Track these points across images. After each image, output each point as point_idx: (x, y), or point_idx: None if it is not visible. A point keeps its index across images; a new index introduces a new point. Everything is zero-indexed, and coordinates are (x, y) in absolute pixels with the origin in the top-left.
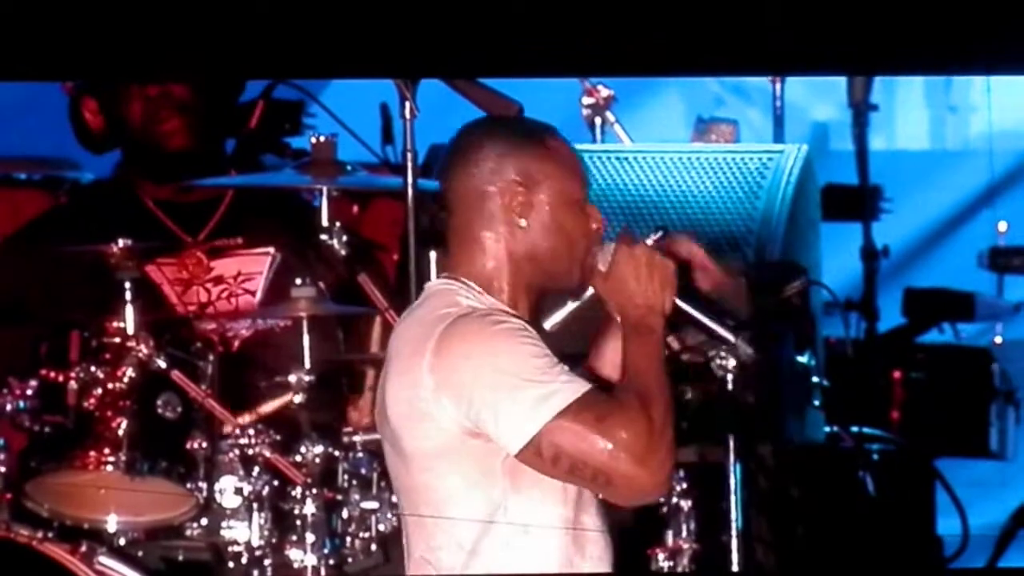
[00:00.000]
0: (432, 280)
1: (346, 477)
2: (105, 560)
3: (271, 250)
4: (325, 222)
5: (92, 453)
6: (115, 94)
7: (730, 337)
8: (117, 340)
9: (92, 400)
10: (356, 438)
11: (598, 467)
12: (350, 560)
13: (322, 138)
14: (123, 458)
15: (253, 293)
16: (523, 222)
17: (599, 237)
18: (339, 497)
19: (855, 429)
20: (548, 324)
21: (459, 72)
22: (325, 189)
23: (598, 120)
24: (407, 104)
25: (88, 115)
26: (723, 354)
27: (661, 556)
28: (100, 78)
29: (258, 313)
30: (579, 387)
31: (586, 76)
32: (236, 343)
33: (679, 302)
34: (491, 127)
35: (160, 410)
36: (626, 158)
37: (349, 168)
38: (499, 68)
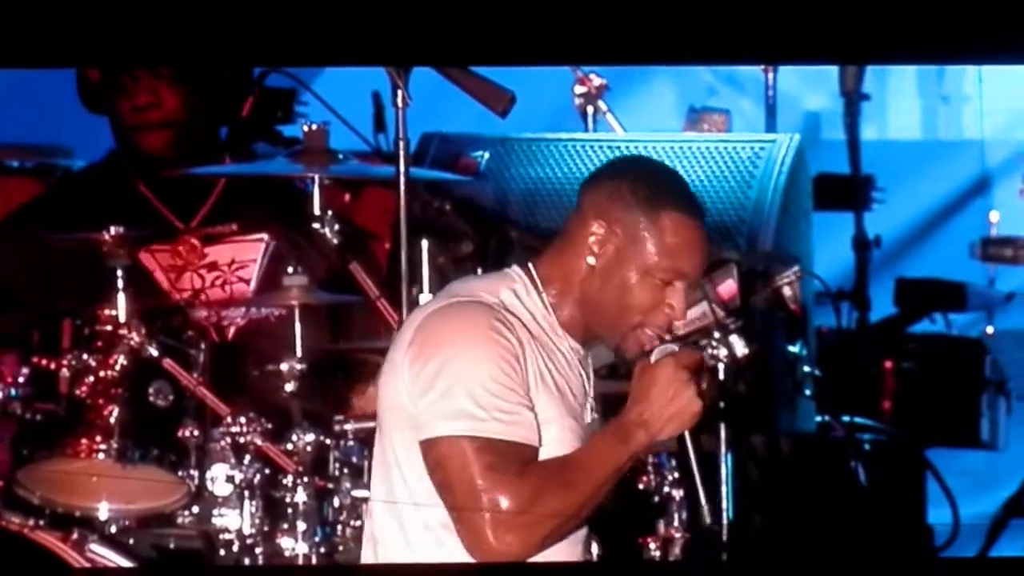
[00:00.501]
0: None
1: (337, 465)
2: (96, 548)
3: (265, 237)
4: (317, 210)
5: (84, 441)
6: (112, 82)
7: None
8: (109, 328)
9: (84, 388)
10: (347, 427)
11: (459, 502)
12: (341, 548)
13: (314, 126)
14: (115, 446)
15: (247, 281)
16: (592, 260)
17: (664, 322)
18: (330, 485)
19: (846, 419)
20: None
21: (453, 61)
22: (317, 177)
23: (590, 109)
24: (399, 92)
25: (91, 74)
26: (715, 344)
27: (653, 545)
28: (89, 64)
29: (250, 301)
30: (505, 430)
31: (580, 65)
32: (231, 331)
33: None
34: (648, 166)
35: (152, 398)
36: (618, 147)
37: (341, 156)
38: (493, 57)
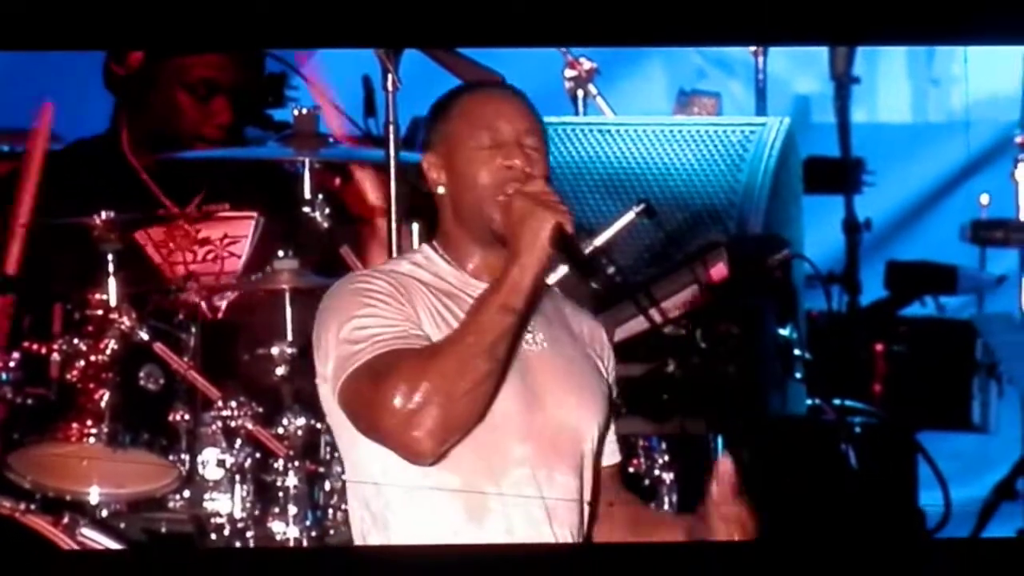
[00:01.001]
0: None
1: (328, 449)
2: (87, 532)
3: (255, 214)
4: (308, 194)
5: (75, 425)
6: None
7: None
8: (100, 312)
9: (75, 372)
10: None
11: (370, 424)
12: (332, 532)
13: (304, 111)
14: (105, 430)
15: (238, 256)
16: (441, 189)
17: (513, 177)
18: (321, 469)
19: (837, 402)
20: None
21: (442, 42)
22: (307, 161)
23: (580, 93)
24: (389, 77)
25: (130, 60)
26: (704, 326)
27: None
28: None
29: (239, 285)
30: (380, 348)
31: (569, 45)
32: (222, 307)
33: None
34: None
35: (142, 382)
36: (608, 131)
37: (331, 140)
38: (482, 37)
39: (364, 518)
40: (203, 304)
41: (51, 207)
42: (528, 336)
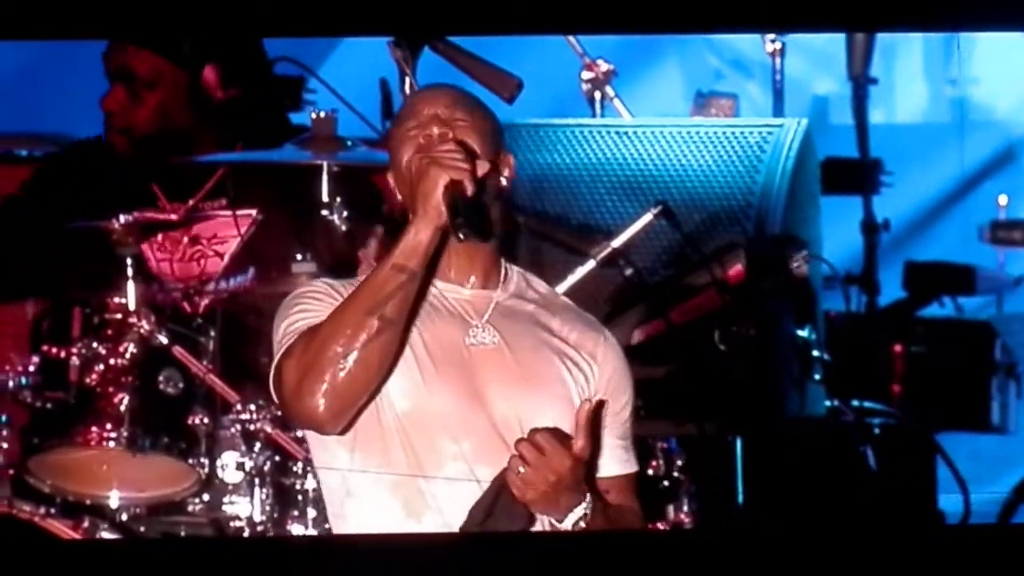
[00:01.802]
0: None
1: None
2: (107, 536)
3: (253, 212)
4: (326, 197)
5: (94, 429)
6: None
7: None
8: (118, 316)
9: (94, 376)
10: None
11: (279, 405)
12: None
13: (322, 114)
14: (124, 434)
15: (221, 256)
16: (399, 196)
17: (426, 144)
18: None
19: (856, 403)
20: (561, 288)
21: (456, 30)
22: (326, 165)
23: (598, 94)
24: (407, 79)
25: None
26: (723, 328)
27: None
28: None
29: (257, 287)
30: (290, 339)
31: (580, 34)
32: (202, 305)
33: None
34: None
35: (161, 386)
36: (626, 132)
37: (349, 144)
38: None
39: (332, 515)
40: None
41: (57, 206)
42: (475, 332)
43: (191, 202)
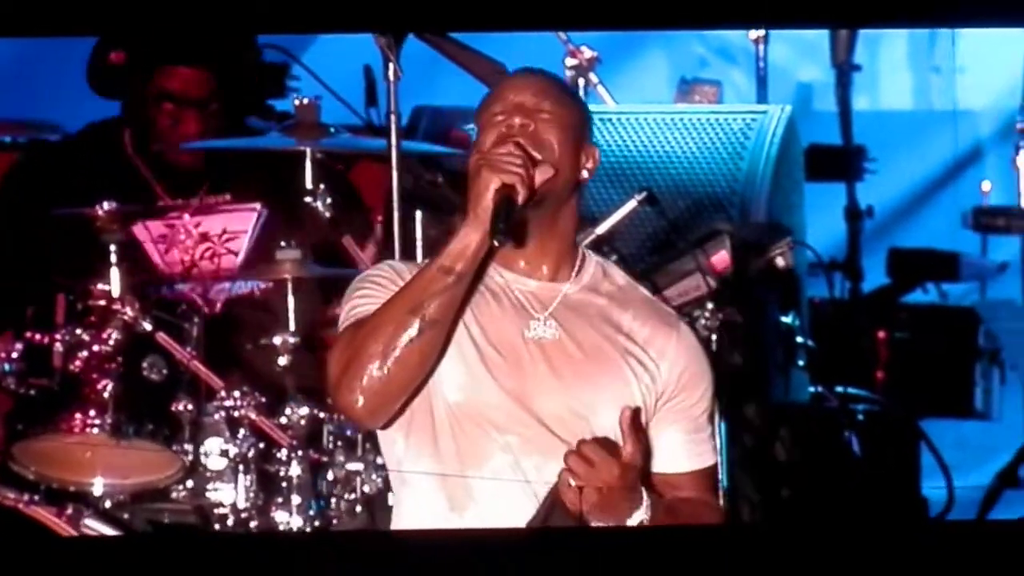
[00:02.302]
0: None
1: (331, 439)
2: (91, 522)
3: (257, 206)
4: (310, 184)
5: (78, 416)
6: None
7: None
8: (102, 303)
9: (78, 363)
10: None
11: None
12: (335, 522)
13: (306, 100)
14: (109, 421)
15: (236, 253)
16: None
17: (506, 134)
18: (324, 459)
19: (840, 389)
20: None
21: (443, 25)
22: (309, 151)
23: (581, 81)
24: (391, 66)
25: (110, 60)
26: (707, 315)
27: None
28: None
29: (241, 275)
30: (351, 320)
31: (568, 29)
32: (219, 304)
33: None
34: None
35: (146, 372)
36: (610, 119)
37: (333, 130)
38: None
39: (393, 502)
40: (201, 297)
41: (59, 194)
42: (536, 325)
43: (197, 197)
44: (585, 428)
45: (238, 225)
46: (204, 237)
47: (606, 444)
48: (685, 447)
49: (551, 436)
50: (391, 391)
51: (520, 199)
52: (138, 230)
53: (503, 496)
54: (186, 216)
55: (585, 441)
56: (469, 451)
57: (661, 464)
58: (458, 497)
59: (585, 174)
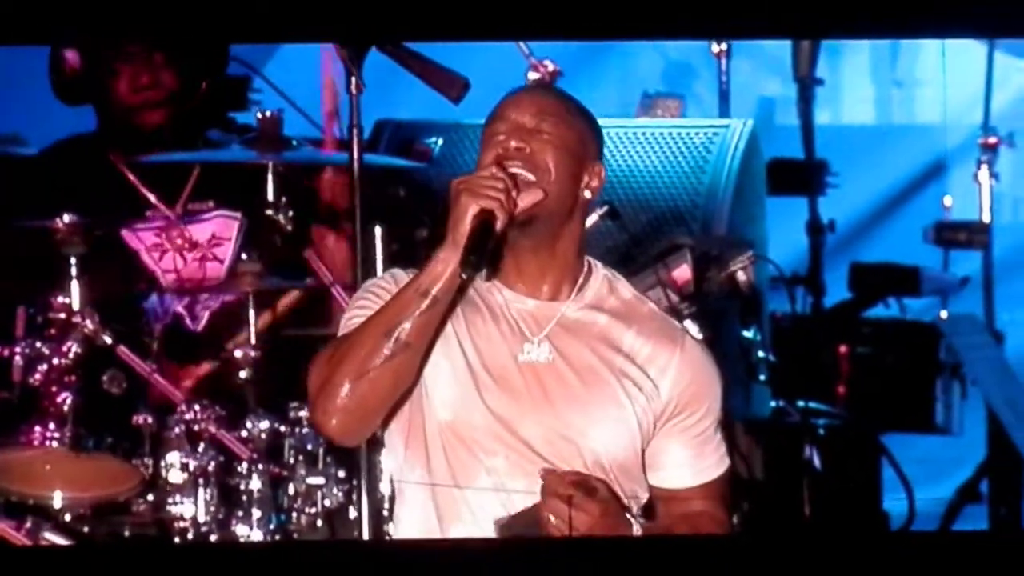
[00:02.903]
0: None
1: (292, 452)
2: (50, 536)
3: (238, 215)
4: (271, 197)
5: (37, 429)
6: (100, 62)
7: None
8: (62, 316)
9: (37, 375)
10: (301, 413)
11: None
12: (296, 535)
13: (268, 113)
14: (68, 434)
15: (221, 260)
16: None
17: (503, 155)
18: (285, 472)
19: (801, 404)
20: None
21: (407, 36)
22: (271, 164)
23: None
24: (353, 79)
25: (68, 66)
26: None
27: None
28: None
29: (204, 289)
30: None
31: (531, 39)
32: (204, 317)
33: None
34: None
35: (105, 386)
36: None
37: (295, 143)
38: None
39: (394, 516)
40: (184, 312)
41: (37, 206)
42: (529, 348)
43: (181, 202)
44: (574, 451)
45: (225, 232)
46: (194, 245)
47: (585, 483)
48: (690, 463)
49: (539, 459)
50: (363, 412)
51: (499, 225)
52: (130, 239)
53: (491, 514)
54: (180, 224)
55: (564, 479)
56: (458, 470)
57: (666, 480)
58: (447, 514)
59: (588, 194)
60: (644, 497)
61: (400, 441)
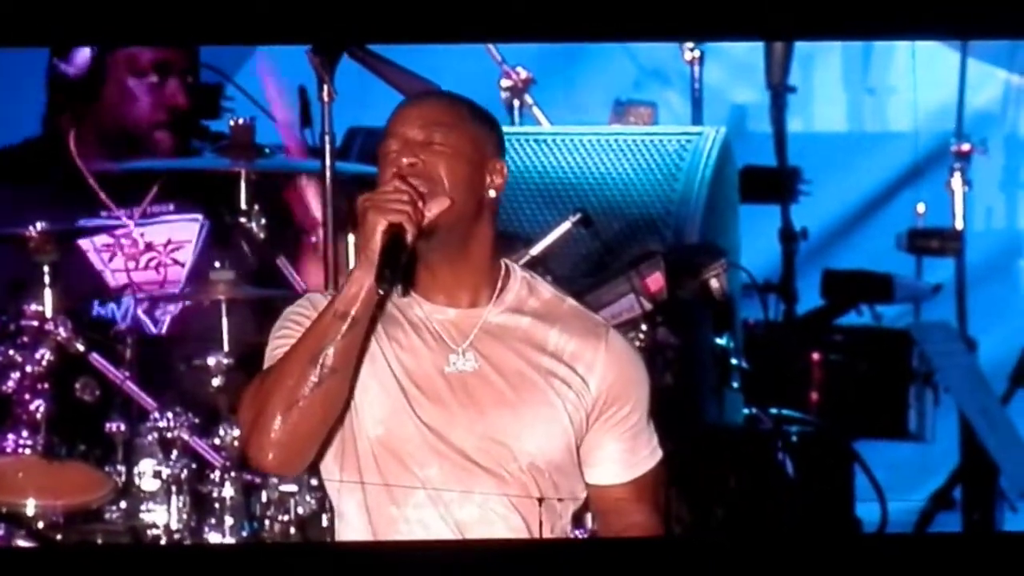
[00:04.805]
0: None
1: None
2: (23, 544)
3: (199, 217)
4: (244, 205)
5: (10, 436)
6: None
7: None
8: (35, 323)
9: (10, 383)
10: None
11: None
12: (268, 543)
13: (240, 121)
14: (41, 441)
15: (182, 264)
16: None
17: (396, 174)
18: (258, 480)
19: (774, 411)
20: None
21: (378, 39)
22: (244, 172)
23: (516, 102)
24: (325, 87)
25: (65, 75)
26: (641, 336)
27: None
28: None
29: (176, 296)
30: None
31: (507, 42)
32: (166, 322)
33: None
34: None
35: (78, 393)
36: (544, 140)
37: (268, 151)
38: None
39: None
40: (145, 317)
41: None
42: (455, 359)
43: (142, 206)
44: (507, 454)
45: (182, 235)
46: (148, 247)
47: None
48: (622, 457)
49: (472, 466)
50: (299, 442)
51: (409, 237)
52: (82, 242)
53: (427, 527)
54: (131, 224)
55: None
56: (393, 484)
57: (599, 476)
58: (385, 530)
59: (492, 193)
60: (582, 497)
61: (336, 466)
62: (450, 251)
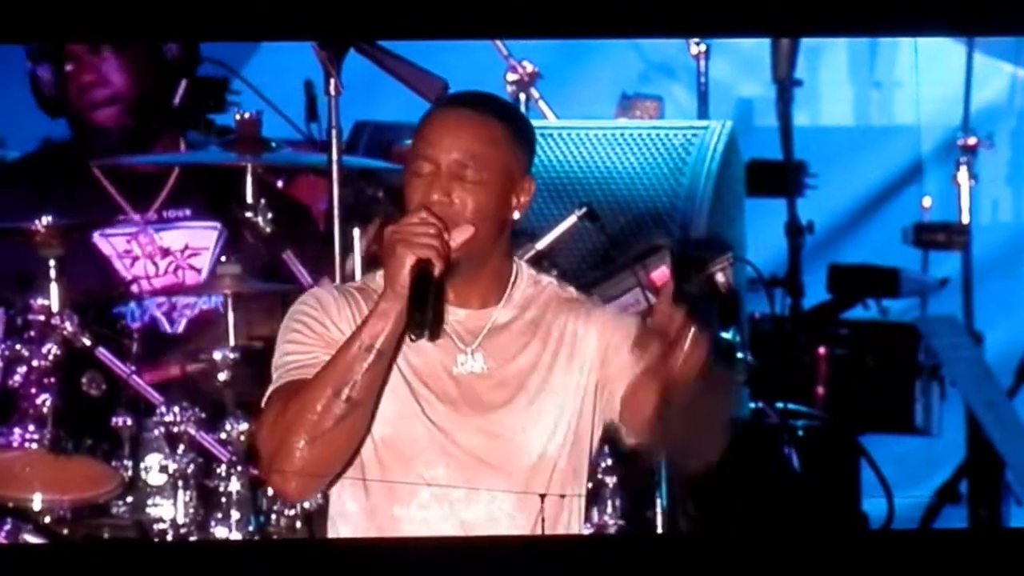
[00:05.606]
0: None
1: None
2: (30, 538)
3: (218, 224)
4: (250, 199)
5: (16, 431)
6: (58, 73)
7: None
8: (42, 318)
9: (16, 377)
10: None
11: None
12: (275, 537)
13: (247, 115)
14: (48, 436)
15: (199, 270)
16: None
17: (416, 202)
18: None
19: (780, 405)
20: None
21: (386, 35)
22: (250, 166)
23: (522, 96)
24: (332, 81)
25: (42, 80)
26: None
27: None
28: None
29: (184, 291)
30: (281, 379)
31: (514, 39)
32: (182, 323)
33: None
34: None
35: (85, 387)
36: (551, 135)
37: (274, 145)
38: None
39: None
40: (162, 316)
41: (12, 212)
42: (463, 359)
43: (154, 208)
44: (514, 448)
45: (200, 242)
46: (166, 252)
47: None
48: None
49: (480, 465)
50: (321, 471)
51: (437, 271)
52: (102, 245)
53: (433, 527)
54: (150, 229)
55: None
56: (397, 487)
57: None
58: (387, 530)
59: (517, 214)
60: (583, 491)
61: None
62: (467, 267)
